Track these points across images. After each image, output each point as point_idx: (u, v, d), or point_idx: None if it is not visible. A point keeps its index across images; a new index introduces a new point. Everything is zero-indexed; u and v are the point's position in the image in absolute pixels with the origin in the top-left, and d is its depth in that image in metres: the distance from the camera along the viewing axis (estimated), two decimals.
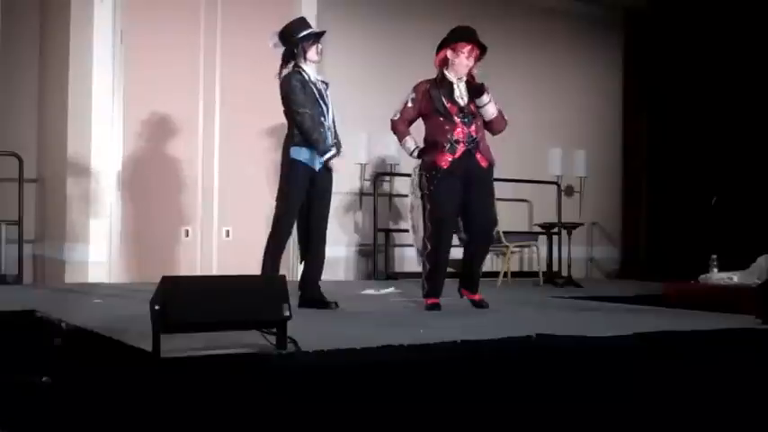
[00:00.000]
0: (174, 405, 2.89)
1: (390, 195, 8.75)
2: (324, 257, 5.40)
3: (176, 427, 2.88)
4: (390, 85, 8.76)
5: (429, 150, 5.27)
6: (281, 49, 5.28)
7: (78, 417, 3.26)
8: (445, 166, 5.21)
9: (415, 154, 5.35)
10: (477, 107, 5.28)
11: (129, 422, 2.98)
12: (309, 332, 3.57)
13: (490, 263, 9.08)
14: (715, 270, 6.85)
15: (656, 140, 10.02)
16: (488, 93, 5.29)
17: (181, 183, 7.48)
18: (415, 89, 5.36)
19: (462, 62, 5.28)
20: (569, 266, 8.63)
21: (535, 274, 8.61)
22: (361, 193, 8.65)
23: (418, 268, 8.82)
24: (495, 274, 8.23)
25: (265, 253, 5.21)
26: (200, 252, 7.59)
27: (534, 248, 8.81)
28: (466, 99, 5.28)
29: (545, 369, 3.57)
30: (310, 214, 5.30)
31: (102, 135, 7.20)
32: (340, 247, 8.34)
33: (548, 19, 9.70)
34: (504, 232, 7.77)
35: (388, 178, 8.75)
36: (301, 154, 5.16)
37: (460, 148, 5.22)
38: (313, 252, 5.35)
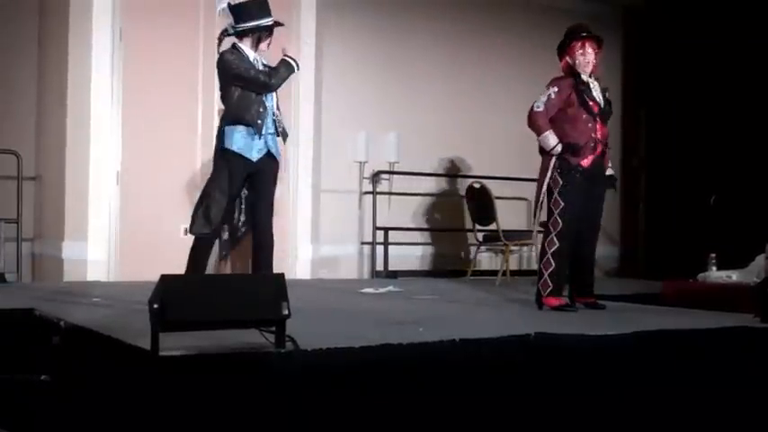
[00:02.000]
0: (173, 403, 2.89)
1: (390, 193, 8.74)
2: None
3: (175, 426, 2.88)
4: (388, 83, 8.80)
5: (571, 147, 5.19)
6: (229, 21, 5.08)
7: (77, 415, 3.26)
8: (587, 165, 5.23)
9: (558, 149, 5.18)
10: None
11: (127, 420, 2.98)
12: (308, 331, 3.56)
13: (489, 261, 9.09)
14: (714, 269, 6.84)
15: (655, 139, 10.02)
16: None
17: (180, 181, 7.46)
18: (557, 83, 5.29)
19: (589, 60, 5.29)
20: None
21: (534, 273, 8.57)
22: (361, 192, 8.64)
23: (416, 266, 8.92)
24: (494, 273, 8.23)
25: None
26: None
27: (533, 247, 8.80)
28: (602, 100, 5.31)
29: (544, 368, 3.57)
30: None
31: (101, 132, 7.18)
32: (339, 246, 8.33)
33: (546, 16, 9.69)
34: (504, 231, 7.77)
35: (387, 176, 8.75)
36: (235, 140, 5.00)
37: (600, 148, 5.27)
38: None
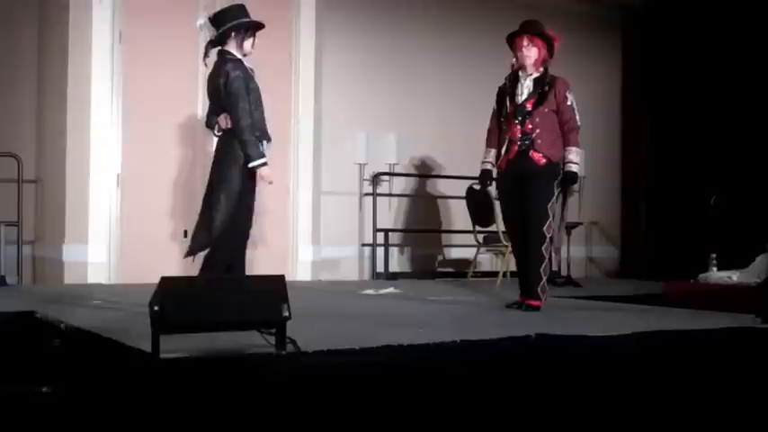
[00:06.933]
0: (173, 406, 2.89)
1: (390, 195, 8.74)
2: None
3: (175, 428, 2.88)
4: (388, 84, 8.81)
5: (498, 161, 5.43)
6: (213, 33, 4.94)
7: (77, 417, 3.25)
8: (503, 168, 5.35)
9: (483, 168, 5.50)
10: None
11: (127, 423, 2.98)
12: (309, 332, 3.57)
13: (489, 263, 9.09)
14: (714, 269, 6.83)
15: (656, 139, 10.02)
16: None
17: (179, 183, 7.47)
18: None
19: (526, 54, 5.39)
20: (569, 266, 8.62)
21: None
22: (361, 193, 8.64)
23: (416, 268, 8.92)
24: (494, 274, 8.23)
25: None
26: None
27: None
28: (525, 95, 5.29)
29: (544, 369, 3.57)
30: None
31: (101, 135, 7.19)
32: (340, 248, 8.33)
33: (546, 18, 9.62)
34: (504, 232, 7.76)
35: (387, 178, 8.75)
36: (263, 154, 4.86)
37: (514, 149, 5.26)
38: None
